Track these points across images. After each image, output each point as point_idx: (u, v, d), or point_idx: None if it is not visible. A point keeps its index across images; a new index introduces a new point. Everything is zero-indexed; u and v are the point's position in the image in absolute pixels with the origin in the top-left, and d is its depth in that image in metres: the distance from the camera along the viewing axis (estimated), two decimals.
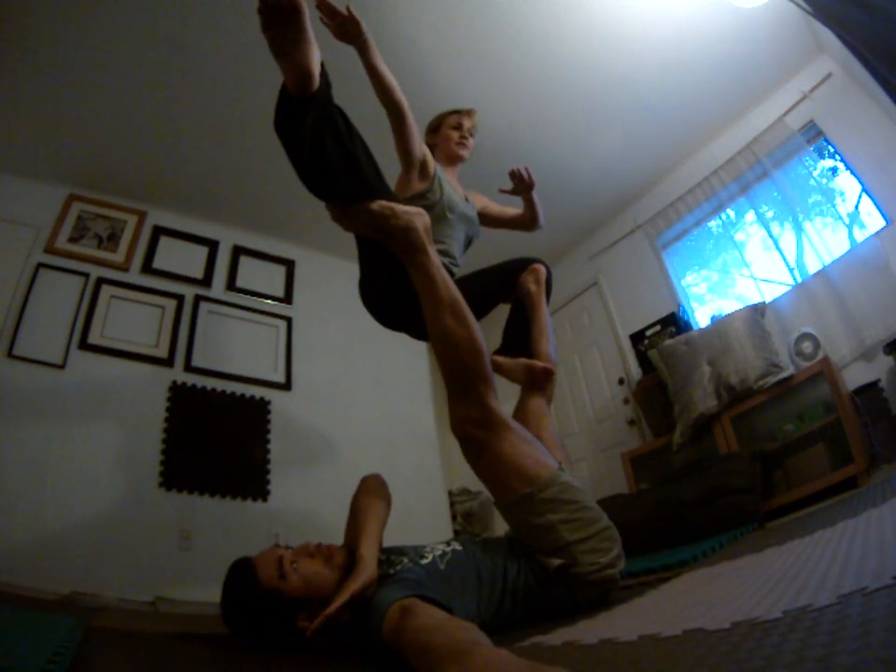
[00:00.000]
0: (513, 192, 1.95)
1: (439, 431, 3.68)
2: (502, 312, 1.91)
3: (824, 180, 3.18)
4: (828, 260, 2.86)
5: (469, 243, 1.84)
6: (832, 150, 3.10)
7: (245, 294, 3.39)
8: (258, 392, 3.08)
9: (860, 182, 2.90)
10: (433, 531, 3.03)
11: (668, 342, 3.08)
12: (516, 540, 1.26)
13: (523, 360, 1.66)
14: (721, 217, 3.55)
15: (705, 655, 0.57)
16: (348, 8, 1.44)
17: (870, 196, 2.84)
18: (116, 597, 2.14)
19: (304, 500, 2.89)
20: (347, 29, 1.46)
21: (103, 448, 2.52)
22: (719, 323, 2.92)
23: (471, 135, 1.89)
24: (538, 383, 1.62)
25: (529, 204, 1.96)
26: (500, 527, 3.88)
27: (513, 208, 2.06)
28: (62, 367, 2.62)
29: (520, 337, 1.75)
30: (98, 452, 2.50)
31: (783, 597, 0.73)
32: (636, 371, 3.53)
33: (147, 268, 3.12)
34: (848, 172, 2.99)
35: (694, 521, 2.28)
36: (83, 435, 2.51)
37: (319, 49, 1.09)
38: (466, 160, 1.89)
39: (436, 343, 1.25)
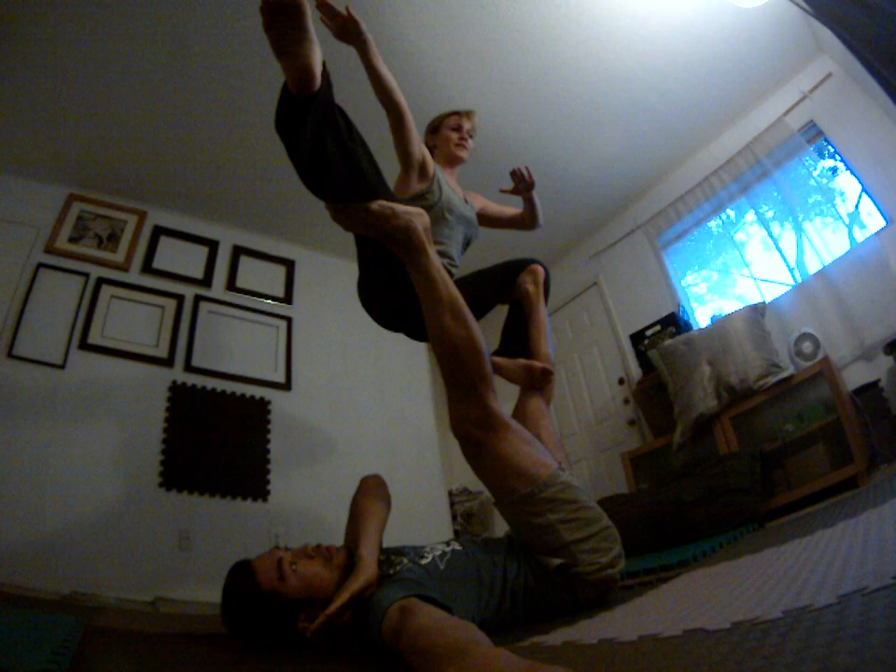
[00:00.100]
0: (514, 192, 1.95)
1: (439, 431, 3.68)
2: (500, 313, 1.91)
3: (824, 180, 3.18)
4: (828, 260, 2.86)
5: (467, 244, 1.84)
6: (832, 150, 3.10)
7: (245, 294, 3.39)
8: (258, 392, 3.08)
9: (860, 182, 2.90)
10: (433, 531, 3.03)
11: (668, 342, 3.08)
12: (516, 540, 1.26)
13: (522, 361, 1.66)
14: (720, 217, 3.54)
15: (705, 655, 0.57)
16: (348, 8, 1.45)
17: (870, 196, 2.84)
18: (116, 597, 2.14)
19: (304, 500, 2.90)
20: (347, 29, 1.47)
21: (103, 448, 2.52)
22: (719, 323, 2.92)
23: (471, 137, 1.89)
24: (537, 383, 1.62)
25: (529, 204, 1.97)
26: (500, 527, 3.89)
27: (512, 208, 2.06)
28: (62, 367, 2.62)
29: (519, 338, 1.75)
30: (98, 452, 2.50)
31: (783, 597, 0.73)
32: (636, 371, 3.53)
33: (147, 268, 3.12)
34: (848, 172, 2.99)
35: (694, 521, 2.28)
36: (83, 435, 2.51)
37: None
38: (465, 161, 1.89)
39: (436, 343, 1.25)
